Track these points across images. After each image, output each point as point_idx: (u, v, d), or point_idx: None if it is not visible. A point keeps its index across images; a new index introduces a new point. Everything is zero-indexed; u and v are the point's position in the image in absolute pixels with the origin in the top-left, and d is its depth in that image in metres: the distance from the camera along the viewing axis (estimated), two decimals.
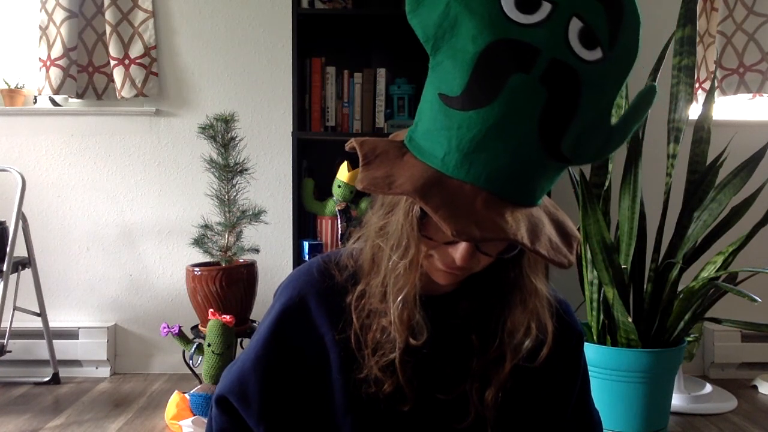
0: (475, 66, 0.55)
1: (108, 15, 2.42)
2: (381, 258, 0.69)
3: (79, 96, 2.48)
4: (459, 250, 0.62)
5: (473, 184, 0.57)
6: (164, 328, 2.02)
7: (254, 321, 2.23)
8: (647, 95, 0.59)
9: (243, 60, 2.52)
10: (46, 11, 2.41)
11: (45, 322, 2.35)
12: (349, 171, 2.20)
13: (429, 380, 0.74)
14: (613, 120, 0.60)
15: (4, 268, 2.12)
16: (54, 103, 2.53)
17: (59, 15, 2.39)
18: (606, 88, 0.57)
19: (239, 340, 2.12)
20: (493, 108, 0.54)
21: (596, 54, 0.55)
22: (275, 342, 0.77)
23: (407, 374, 0.71)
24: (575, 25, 0.54)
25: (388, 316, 0.69)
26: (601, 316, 1.92)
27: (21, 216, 2.24)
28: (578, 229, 1.94)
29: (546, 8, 0.54)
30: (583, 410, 0.85)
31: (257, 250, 2.22)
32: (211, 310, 2.03)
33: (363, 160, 0.62)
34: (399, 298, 0.67)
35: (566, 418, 0.82)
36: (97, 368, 2.51)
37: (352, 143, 0.65)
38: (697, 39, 2.22)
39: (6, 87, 2.51)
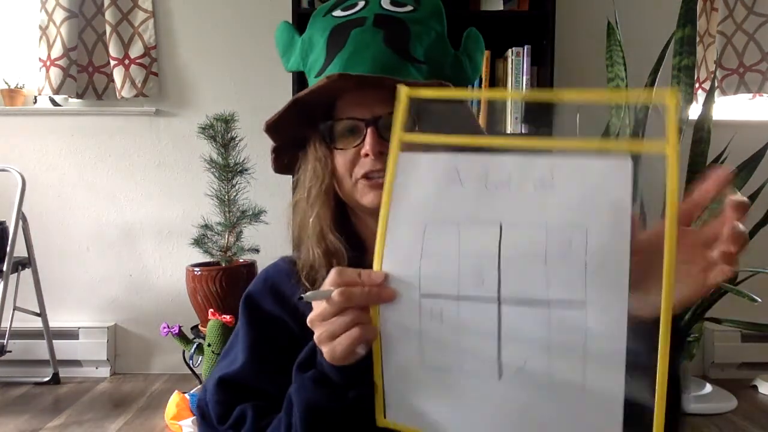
0: (327, 44, 0.77)
1: (108, 15, 2.42)
2: (299, 198, 0.81)
3: (79, 96, 2.48)
4: (366, 140, 0.71)
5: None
6: (164, 328, 2.02)
7: None
8: (469, 36, 0.83)
9: (243, 60, 2.52)
10: (46, 11, 2.41)
11: (45, 322, 2.36)
12: None
13: None
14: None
15: (4, 268, 2.12)
16: (54, 103, 2.53)
17: (59, 15, 2.39)
18: (427, 21, 0.78)
19: None
20: (344, 49, 0.74)
21: (408, 8, 0.78)
22: (252, 316, 0.79)
23: None
24: (385, 3, 0.78)
25: (308, 245, 0.77)
26: None
27: (21, 216, 2.25)
28: None
29: (360, 4, 0.78)
30: None
31: (257, 250, 2.22)
32: (211, 310, 2.03)
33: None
34: (312, 219, 0.77)
35: None
36: (97, 368, 2.51)
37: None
38: (697, 39, 2.22)
39: (6, 87, 2.52)
